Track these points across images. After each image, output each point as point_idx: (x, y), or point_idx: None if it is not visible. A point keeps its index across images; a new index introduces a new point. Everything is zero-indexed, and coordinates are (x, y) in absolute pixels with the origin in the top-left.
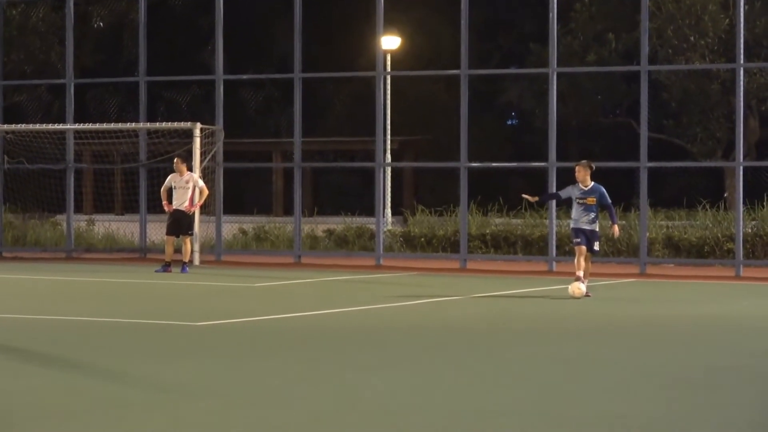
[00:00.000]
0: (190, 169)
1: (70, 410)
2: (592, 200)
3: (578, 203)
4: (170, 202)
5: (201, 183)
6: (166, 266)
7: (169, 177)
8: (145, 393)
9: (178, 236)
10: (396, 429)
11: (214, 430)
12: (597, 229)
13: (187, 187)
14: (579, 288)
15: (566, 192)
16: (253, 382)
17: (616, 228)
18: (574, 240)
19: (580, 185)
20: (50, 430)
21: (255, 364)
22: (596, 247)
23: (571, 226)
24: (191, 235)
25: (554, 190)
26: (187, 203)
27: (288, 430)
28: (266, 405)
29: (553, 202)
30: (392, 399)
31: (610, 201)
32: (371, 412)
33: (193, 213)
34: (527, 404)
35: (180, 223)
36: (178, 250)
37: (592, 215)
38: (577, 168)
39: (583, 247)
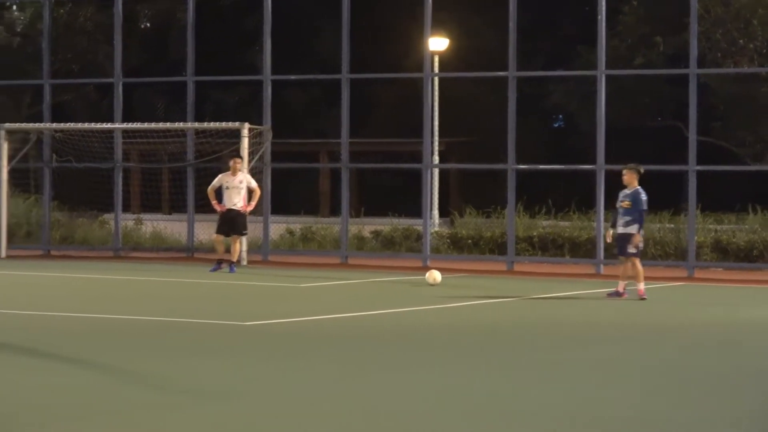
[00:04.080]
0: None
1: (112, 409)
2: (627, 204)
3: (617, 206)
4: (218, 201)
5: (254, 183)
6: (220, 264)
7: (218, 177)
8: (187, 392)
9: (228, 235)
10: (436, 430)
11: (255, 429)
12: (633, 232)
13: (240, 187)
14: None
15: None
16: (297, 381)
17: (637, 237)
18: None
19: (626, 189)
20: (91, 428)
21: (299, 364)
22: (629, 249)
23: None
24: (245, 234)
25: (602, 195)
26: (242, 203)
27: (330, 429)
28: (308, 404)
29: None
30: (433, 400)
31: (644, 208)
32: (412, 413)
33: (247, 213)
34: (568, 406)
35: (234, 223)
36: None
37: (627, 218)
38: (624, 171)
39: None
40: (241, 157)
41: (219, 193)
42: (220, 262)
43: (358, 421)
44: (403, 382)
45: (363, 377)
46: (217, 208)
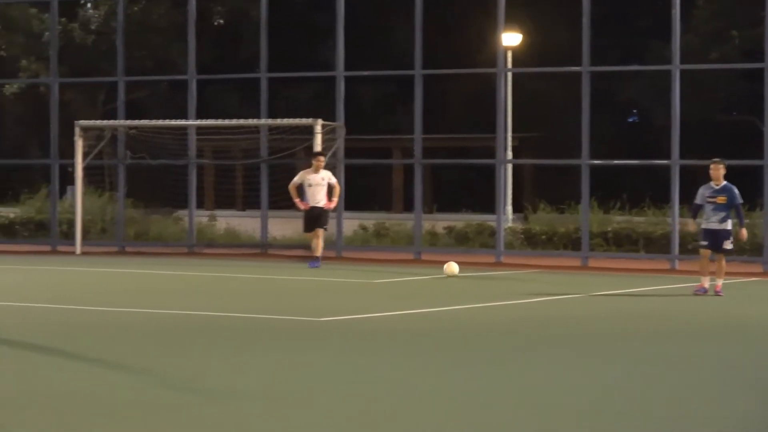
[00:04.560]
0: (310, 166)
1: (182, 404)
2: (722, 199)
3: (708, 202)
4: (300, 198)
5: (334, 179)
6: (317, 260)
7: (300, 174)
8: (258, 386)
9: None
10: (507, 426)
11: (328, 423)
12: (729, 228)
13: (323, 183)
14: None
15: (700, 196)
16: (368, 376)
17: (744, 231)
18: (701, 243)
19: (712, 184)
20: (164, 422)
21: (371, 360)
22: (726, 246)
23: (702, 226)
24: (326, 230)
25: (677, 190)
26: (325, 200)
27: (403, 423)
28: (377, 400)
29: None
30: (505, 397)
31: (740, 201)
32: (482, 408)
33: (330, 210)
34: (645, 403)
35: (319, 219)
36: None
37: (722, 214)
38: (711, 166)
39: (708, 252)
40: (324, 155)
41: (300, 190)
42: (316, 257)
43: (426, 417)
44: (475, 378)
45: (436, 374)
46: (301, 205)
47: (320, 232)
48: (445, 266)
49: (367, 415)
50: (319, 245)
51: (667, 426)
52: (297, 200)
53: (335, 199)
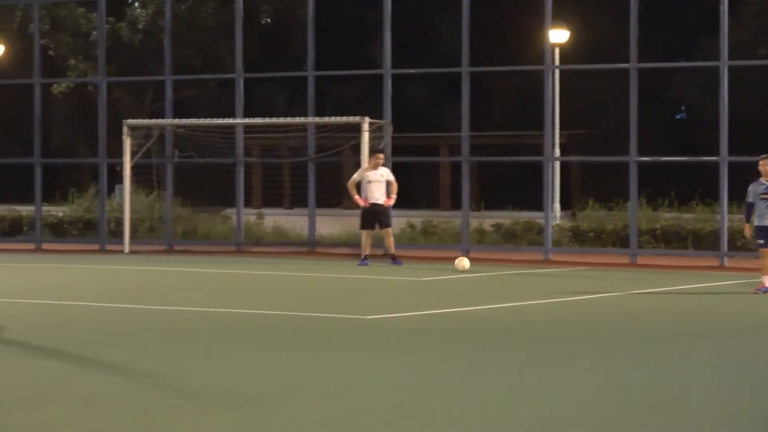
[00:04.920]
0: (359, 164)
1: (226, 404)
2: None
3: (762, 199)
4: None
5: (392, 177)
6: (366, 259)
7: (359, 171)
8: (300, 384)
9: (373, 229)
10: (556, 425)
11: (370, 421)
12: None
13: (382, 180)
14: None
15: (752, 194)
16: (412, 374)
17: None
18: (757, 241)
19: (762, 180)
20: (213, 417)
21: (417, 358)
22: None
23: (755, 223)
24: (391, 227)
25: (725, 187)
26: (385, 197)
27: (447, 421)
28: (419, 398)
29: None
30: (549, 394)
31: None
32: (529, 406)
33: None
34: (694, 401)
35: (380, 217)
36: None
37: None
38: (761, 162)
39: (767, 250)
40: (383, 152)
41: (358, 187)
42: (367, 257)
43: (491, 410)
44: (530, 376)
45: (482, 372)
46: (360, 202)
47: (389, 231)
48: (456, 261)
49: (409, 413)
50: (390, 243)
51: (723, 423)
52: (356, 197)
53: (393, 196)
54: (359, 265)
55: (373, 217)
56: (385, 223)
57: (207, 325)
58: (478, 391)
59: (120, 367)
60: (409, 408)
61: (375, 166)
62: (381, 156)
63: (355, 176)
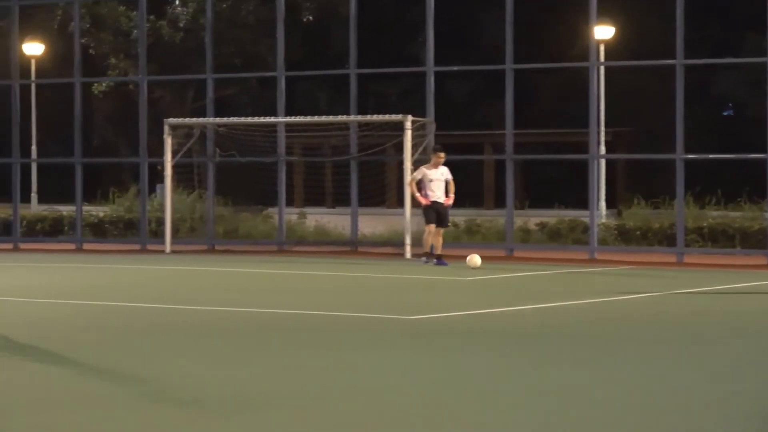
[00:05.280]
0: (401, 163)
1: (266, 400)
2: None
3: None
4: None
5: (450, 176)
6: (441, 258)
7: (420, 169)
8: (341, 384)
9: (437, 225)
10: (610, 424)
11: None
12: None
13: (442, 179)
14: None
15: None
16: (455, 375)
17: None
18: None
19: None
20: (253, 417)
21: (462, 358)
22: None
23: None
24: (447, 227)
25: None
26: (444, 197)
27: (497, 424)
28: (467, 398)
29: None
30: (598, 395)
31: None
32: (579, 407)
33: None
34: (745, 402)
35: (440, 215)
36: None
37: None
38: None
39: None
40: (444, 151)
41: (418, 185)
42: (441, 256)
43: (517, 418)
44: (578, 377)
45: (526, 373)
46: (423, 200)
47: (441, 231)
48: (468, 258)
49: (452, 413)
50: (439, 243)
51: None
52: (418, 195)
53: (452, 196)
54: (436, 264)
55: (439, 215)
56: (443, 224)
57: (246, 326)
58: (523, 391)
59: (157, 368)
60: (452, 408)
61: (435, 165)
62: (442, 155)
63: (416, 174)
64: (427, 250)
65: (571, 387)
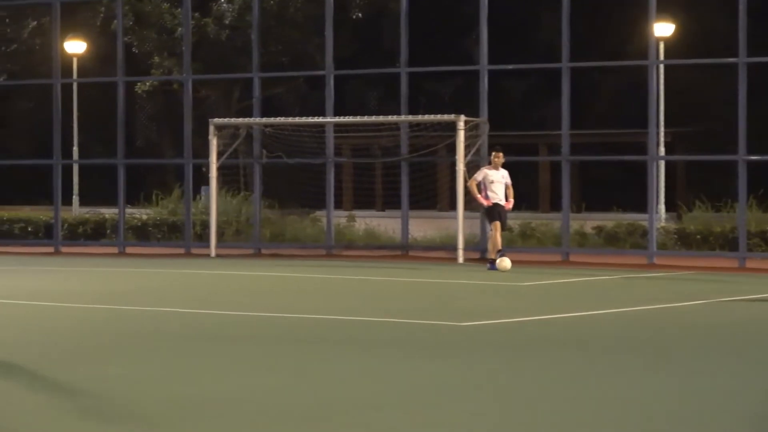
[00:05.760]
0: (454, 164)
1: (319, 408)
2: None
3: None
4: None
5: (509, 179)
6: (494, 263)
7: (481, 170)
8: (394, 392)
9: (500, 223)
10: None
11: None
12: None
13: (502, 181)
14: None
15: None
16: (511, 383)
17: None
18: None
19: None
20: (301, 426)
21: (518, 365)
22: None
23: None
24: (506, 230)
25: None
26: (505, 200)
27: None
28: (523, 407)
29: None
30: (655, 403)
31: None
32: (636, 415)
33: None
34: None
35: (503, 217)
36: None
37: None
38: None
39: None
40: (503, 152)
41: (479, 187)
42: (493, 260)
43: (591, 420)
44: (637, 385)
45: (583, 381)
46: (484, 202)
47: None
48: (498, 261)
49: (508, 421)
50: (499, 242)
51: None
52: (479, 196)
53: (512, 200)
54: (489, 269)
55: (500, 216)
56: (503, 227)
57: (295, 332)
58: (581, 399)
59: (202, 373)
60: (507, 416)
61: (495, 166)
62: (501, 155)
63: (477, 175)
64: (493, 256)
65: (626, 395)
